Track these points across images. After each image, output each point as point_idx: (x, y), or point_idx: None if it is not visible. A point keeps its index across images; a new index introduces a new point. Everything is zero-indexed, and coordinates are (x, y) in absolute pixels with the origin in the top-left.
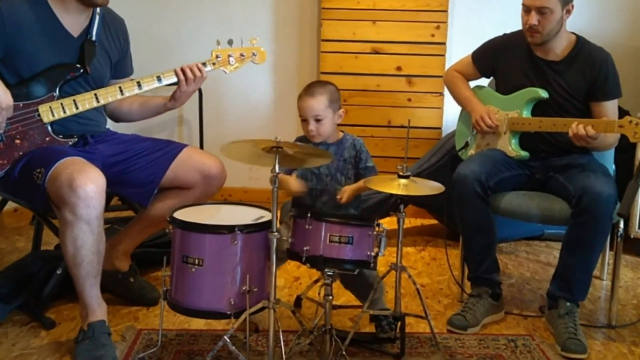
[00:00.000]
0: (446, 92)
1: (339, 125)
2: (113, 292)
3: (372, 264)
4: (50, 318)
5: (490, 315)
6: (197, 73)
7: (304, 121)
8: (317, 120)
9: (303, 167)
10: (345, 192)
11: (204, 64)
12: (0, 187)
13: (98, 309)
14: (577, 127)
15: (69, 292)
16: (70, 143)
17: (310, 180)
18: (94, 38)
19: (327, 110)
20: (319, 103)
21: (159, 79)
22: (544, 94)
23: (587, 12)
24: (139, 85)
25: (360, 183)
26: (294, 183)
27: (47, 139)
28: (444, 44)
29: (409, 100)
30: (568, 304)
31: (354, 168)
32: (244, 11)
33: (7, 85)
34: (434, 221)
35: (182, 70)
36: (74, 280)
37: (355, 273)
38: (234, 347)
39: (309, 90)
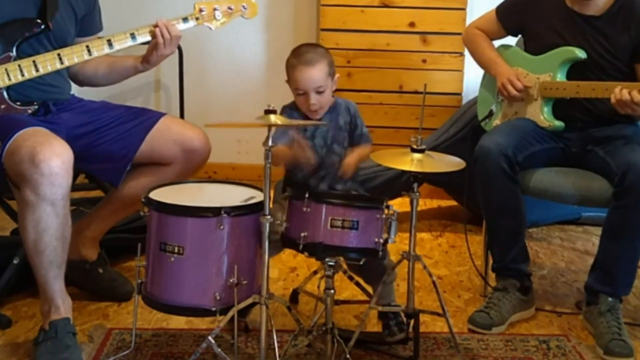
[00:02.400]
0: (467, 52)
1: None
2: (79, 285)
3: (380, 253)
4: (6, 316)
5: (519, 312)
6: (174, 32)
7: (301, 95)
8: (319, 92)
9: (305, 129)
10: (350, 166)
11: (185, 19)
12: None
13: (62, 304)
14: (621, 92)
15: (28, 285)
16: (30, 111)
17: None
18: None
19: (328, 78)
20: (320, 72)
21: (133, 36)
22: (581, 54)
23: None
24: (110, 44)
25: (363, 150)
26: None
27: (3, 106)
28: None
29: (424, 61)
30: (610, 299)
31: (350, 136)
32: None
33: None
34: (452, 202)
35: (160, 29)
36: (34, 270)
37: (361, 263)
38: (219, 350)
39: (304, 57)
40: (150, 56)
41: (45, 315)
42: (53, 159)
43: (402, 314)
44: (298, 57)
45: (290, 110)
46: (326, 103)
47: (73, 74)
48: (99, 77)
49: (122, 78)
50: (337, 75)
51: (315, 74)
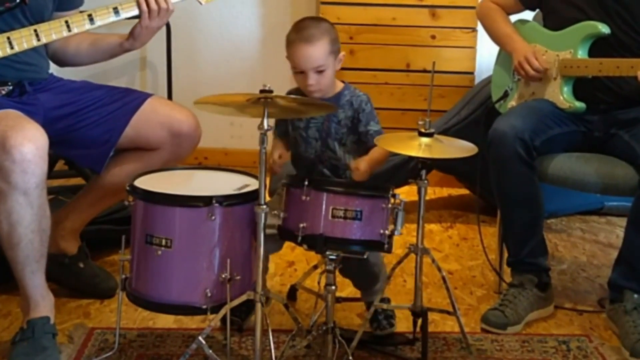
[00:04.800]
0: (480, 28)
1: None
2: (58, 281)
3: (386, 245)
4: None
5: (536, 311)
6: (163, 4)
7: (299, 73)
8: (319, 72)
9: (300, 118)
10: (361, 173)
11: None
12: None
13: (42, 302)
14: None
15: (5, 281)
16: (4, 92)
17: (299, 146)
18: None
19: (329, 57)
20: (319, 50)
21: (116, 11)
22: (604, 29)
23: None
24: (91, 19)
25: (375, 153)
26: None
27: None
28: None
29: (433, 37)
30: (636, 296)
31: (352, 133)
32: None
33: None
34: (464, 191)
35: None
36: (10, 265)
37: (365, 257)
38: (210, 351)
39: (303, 33)
40: (135, 29)
41: (25, 313)
42: (25, 145)
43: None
44: (297, 32)
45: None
46: (327, 84)
47: (52, 53)
48: (81, 56)
49: (106, 57)
50: (342, 54)
51: (315, 52)
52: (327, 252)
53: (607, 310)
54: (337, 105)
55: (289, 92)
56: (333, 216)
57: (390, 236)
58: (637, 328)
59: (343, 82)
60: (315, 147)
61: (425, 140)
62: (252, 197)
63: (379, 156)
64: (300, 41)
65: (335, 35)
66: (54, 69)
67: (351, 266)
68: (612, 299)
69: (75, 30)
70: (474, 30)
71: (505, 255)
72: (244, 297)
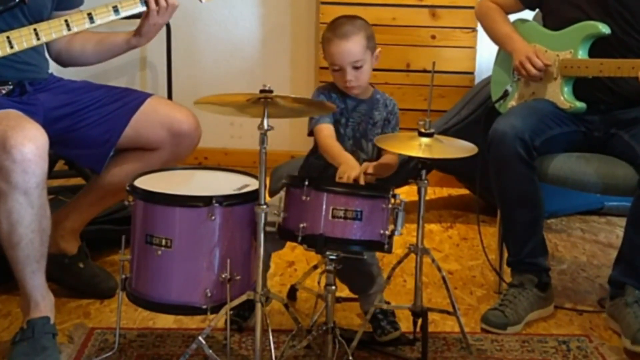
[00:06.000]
0: (480, 27)
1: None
2: (58, 281)
3: (386, 246)
4: None
5: (536, 310)
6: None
7: (337, 70)
8: (356, 68)
9: (342, 113)
10: (370, 169)
11: None
12: None
13: (42, 301)
14: None
15: (5, 281)
16: (4, 92)
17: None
18: None
19: (366, 52)
20: (356, 45)
21: (115, 9)
22: (604, 29)
23: None
24: (91, 18)
25: (387, 158)
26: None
27: None
28: None
29: (433, 37)
30: (637, 291)
31: (381, 134)
32: None
33: None
34: (464, 191)
35: None
36: (11, 265)
37: (365, 257)
38: (210, 351)
39: (338, 30)
40: (142, 27)
41: (25, 313)
42: (26, 145)
43: (390, 314)
44: (333, 30)
45: (327, 92)
46: (364, 79)
47: (57, 54)
48: (87, 56)
49: (112, 55)
50: (378, 50)
51: (351, 47)
52: (327, 252)
53: (607, 307)
54: (373, 107)
55: (322, 89)
56: (333, 216)
57: (391, 236)
58: (638, 318)
59: (371, 84)
60: (347, 145)
61: (425, 140)
62: (252, 197)
63: (387, 164)
64: (336, 38)
65: (371, 31)
66: (53, 68)
67: (347, 266)
68: (613, 295)
69: (74, 29)
70: (474, 30)
71: (505, 255)
72: (244, 297)
